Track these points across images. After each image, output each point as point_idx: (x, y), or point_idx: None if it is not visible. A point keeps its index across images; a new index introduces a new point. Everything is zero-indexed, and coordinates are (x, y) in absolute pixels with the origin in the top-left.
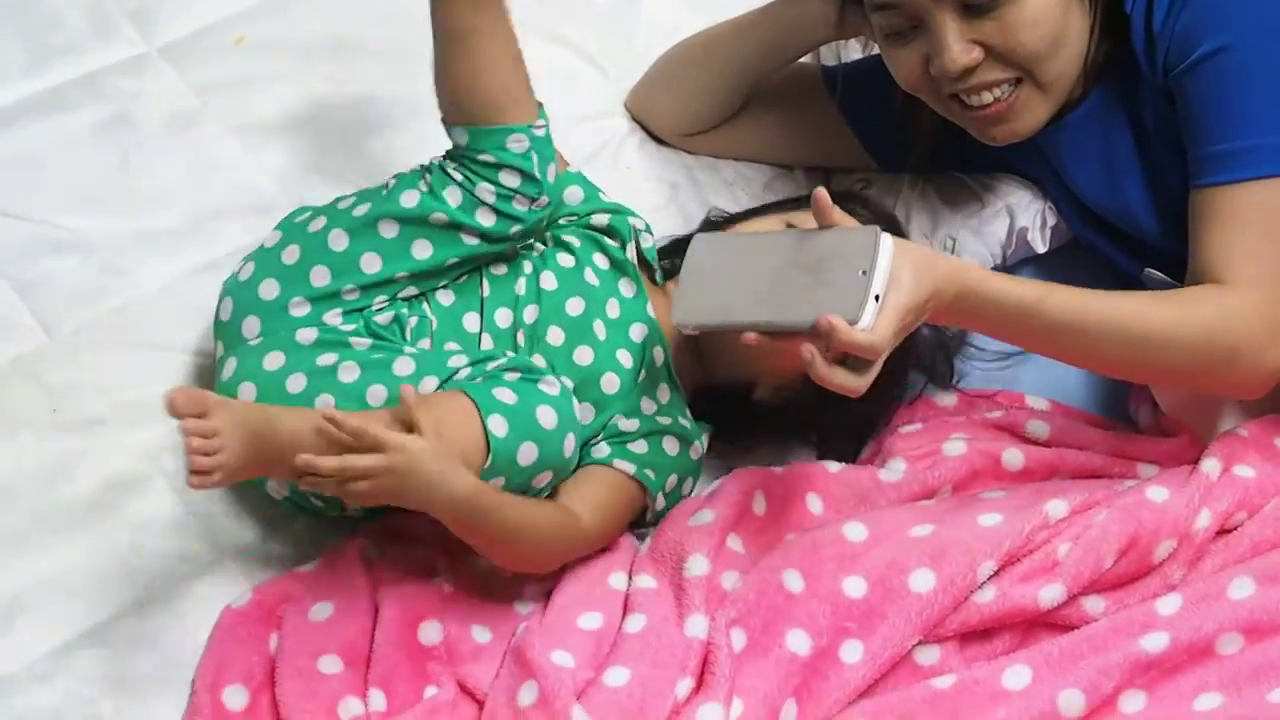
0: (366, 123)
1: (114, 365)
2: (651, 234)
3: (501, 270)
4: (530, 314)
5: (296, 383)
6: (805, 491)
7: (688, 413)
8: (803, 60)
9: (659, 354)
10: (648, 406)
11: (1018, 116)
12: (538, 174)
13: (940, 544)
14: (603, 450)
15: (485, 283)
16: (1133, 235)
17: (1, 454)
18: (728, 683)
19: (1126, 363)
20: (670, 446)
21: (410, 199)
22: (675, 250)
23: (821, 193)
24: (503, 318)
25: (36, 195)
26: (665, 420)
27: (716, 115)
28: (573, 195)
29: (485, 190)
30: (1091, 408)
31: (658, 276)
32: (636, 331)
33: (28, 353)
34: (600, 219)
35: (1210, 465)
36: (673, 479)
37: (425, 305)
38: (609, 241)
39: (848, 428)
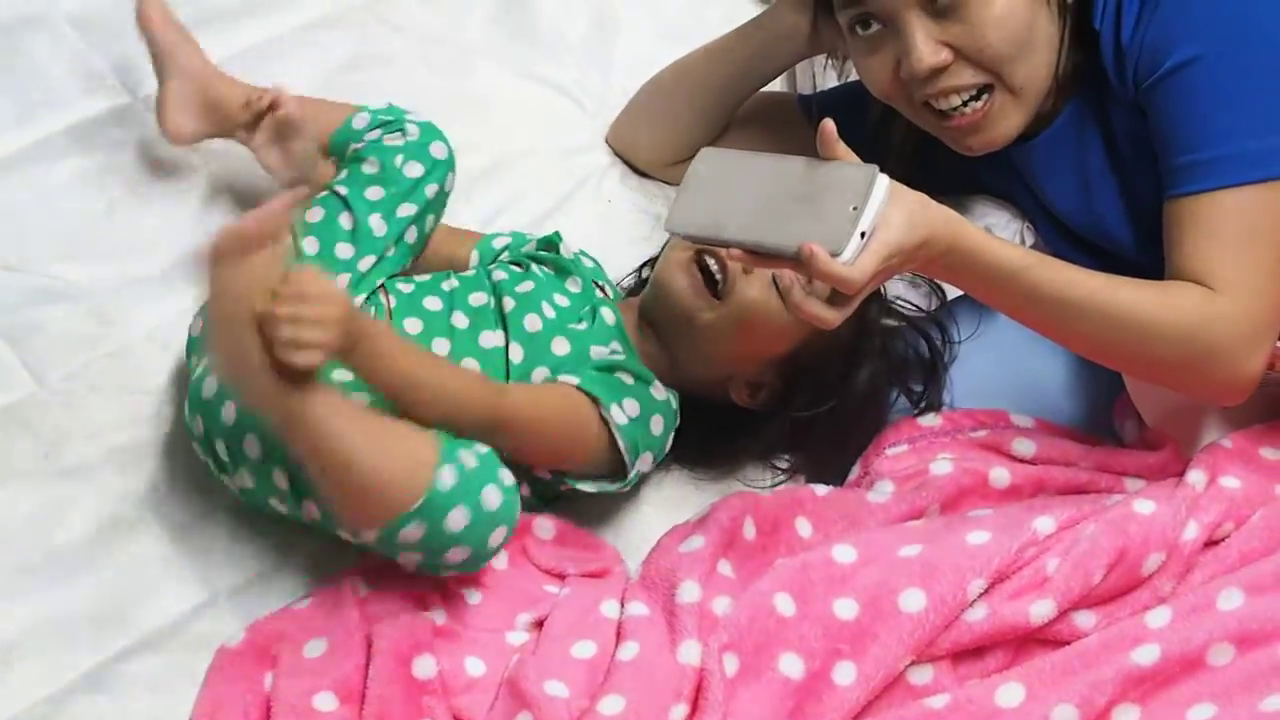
0: None
1: (104, 411)
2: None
3: (469, 274)
4: (508, 303)
5: None
6: (794, 515)
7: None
8: (779, 90)
9: (609, 315)
10: (598, 352)
11: (992, 125)
12: None
13: (930, 563)
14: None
15: (453, 277)
16: (1110, 251)
17: None
18: (721, 708)
19: (1105, 344)
20: (625, 377)
21: None
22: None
23: (828, 124)
24: (477, 299)
25: (25, 245)
26: (619, 357)
27: (698, 142)
28: (499, 242)
29: None
30: (1076, 423)
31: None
32: (589, 309)
33: (19, 400)
34: (530, 246)
35: (1196, 477)
36: (631, 404)
37: (382, 294)
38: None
39: (829, 441)
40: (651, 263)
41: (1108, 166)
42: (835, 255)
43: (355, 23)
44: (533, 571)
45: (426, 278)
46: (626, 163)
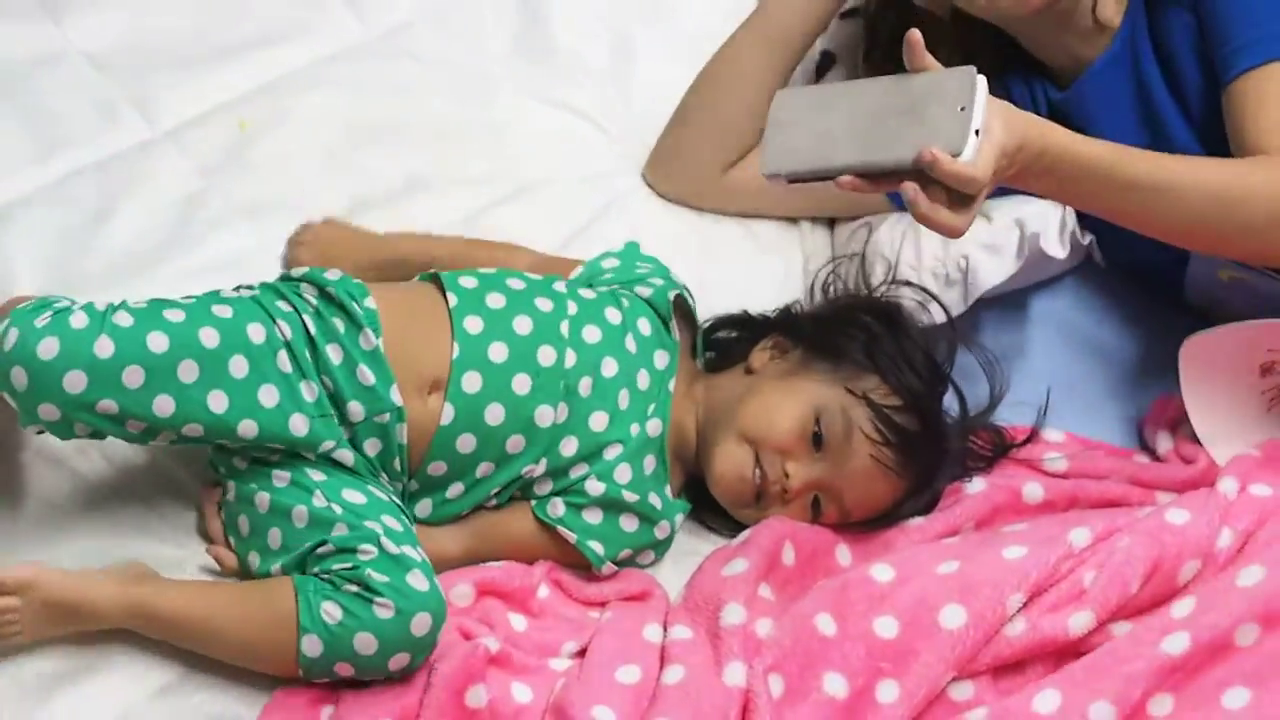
0: (373, 200)
1: (139, 455)
2: (691, 295)
3: (547, 306)
4: (570, 358)
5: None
6: (834, 544)
7: (666, 490)
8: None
9: (656, 427)
10: (623, 475)
11: None
12: None
13: (967, 579)
14: (556, 509)
15: (527, 318)
16: None
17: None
18: None
19: (1195, 222)
20: (629, 523)
21: None
22: (722, 327)
23: (915, 34)
24: (545, 355)
25: (49, 283)
26: (633, 497)
27: (754, 130)
28: (609, 264)
29: None
30: (1106, 436)
31: (698, 356)
32: (654, 406)
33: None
34: (644, 290)
35: (1227, 485)
36: (626, 553)
37: (439, 290)
38: (654, 312)
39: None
40: (728, 327)
41: (1166, 88)
42: (955, 156)
43: (373, 53)
44: (574, 600)
45: (490, 271)
46: (655, 189)
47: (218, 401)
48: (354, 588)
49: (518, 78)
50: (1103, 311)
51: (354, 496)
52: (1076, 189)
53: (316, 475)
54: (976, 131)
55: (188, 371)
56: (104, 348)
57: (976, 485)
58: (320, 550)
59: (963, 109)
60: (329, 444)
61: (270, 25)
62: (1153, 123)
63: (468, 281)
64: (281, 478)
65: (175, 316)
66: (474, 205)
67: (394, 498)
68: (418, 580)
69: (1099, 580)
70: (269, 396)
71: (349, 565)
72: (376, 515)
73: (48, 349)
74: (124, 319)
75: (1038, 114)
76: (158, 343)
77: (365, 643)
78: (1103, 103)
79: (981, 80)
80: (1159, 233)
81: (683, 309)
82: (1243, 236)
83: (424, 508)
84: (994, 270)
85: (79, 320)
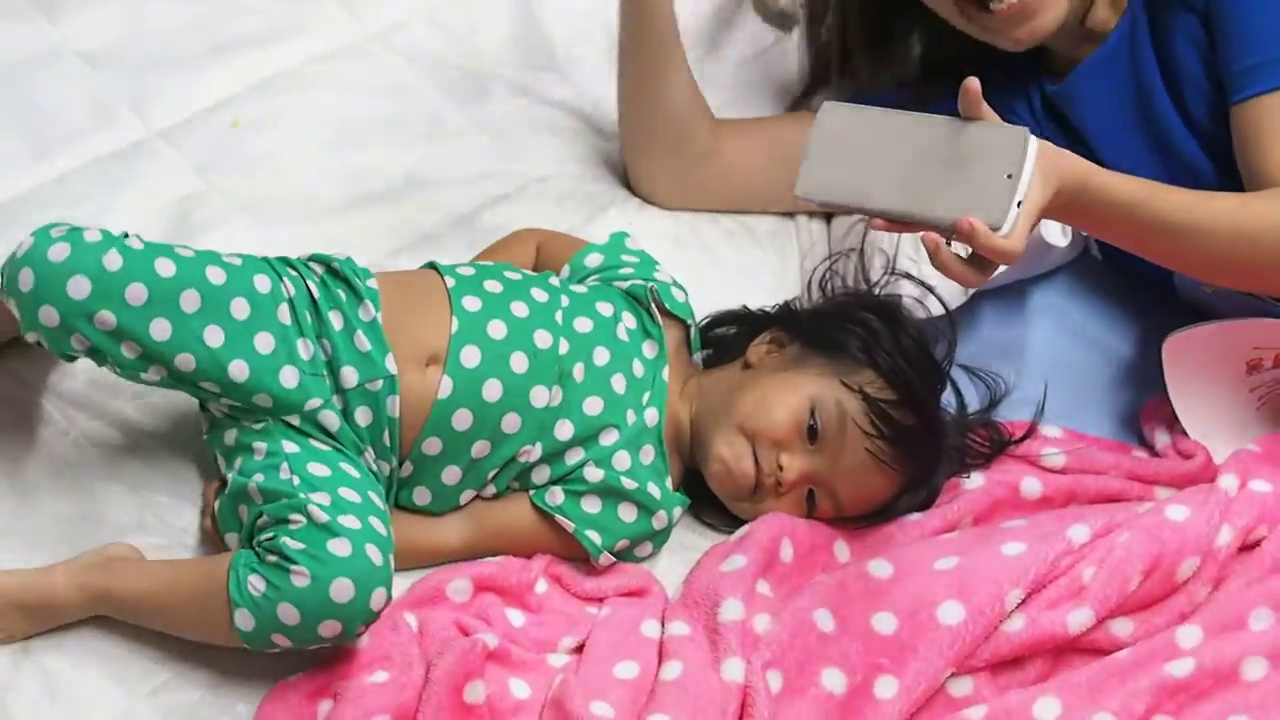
0: (370, 198)
1: (138, 450)
2: (682, 289)
3: (543, 297)
4: (563, 346)
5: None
6: (832, 540)
7: (666, 481)
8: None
9: (653, 417)
10: (621, 462)
11: (1041, 7)
12: None
13: (966, 575)
14: (555, 497)
15: (523, 303)
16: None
17: None
18: None
19: (1224, 257)
20: (627, 512)
21: None
22: (722, 323)
23: (973, 83)
24: (541, 338)
25: None
26: (631, 484)
27: (698, 120)
28: (592, 260)
29: None
30: (1104, 431)
31: (696, 352)
32: (649, 395)
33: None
34: (623, 285)
35: (1227, 481)
36: (624, 543)
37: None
38: (636, 304)
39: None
40: (728, 323)
41: (1163, 84)
42: (995, 228)
43: (369, 52)
44: (572, 595)
45: (489, 263)
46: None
47: (214, 336)
48: (274, 558)
49: (513, 76)
50: (1101, 305)
51: (318, 469)
52: (1107, 226)
53: (290, 447)
54: (1019, 203)
55: (189, 301)
56: (112, 260)
57: (975, 481)
58: (259, 523)
59: (1009, 176)
60: (316, 401)
61: (265, 24)
62: (1147, 117)
63: (465, 270)
64: (259, 450)
65: (185, 253)
66: (470, 204)
67: (370, 475)
68: (339, 546)
69: (1098, 577)
70: (264, 344)
71: (271, 536)
72: (333, 487)
73: (58, 253)
74: (136, 243)
75: (1030, 107)
76: (165, 268)
77: (287, 613)
78: (1097, 96)
79: (1033, 146)
80: (1189, 269)
81: (659, 302)
82: (1267, 273)
83: (422, 495)
84: None
85: (92, 235)
